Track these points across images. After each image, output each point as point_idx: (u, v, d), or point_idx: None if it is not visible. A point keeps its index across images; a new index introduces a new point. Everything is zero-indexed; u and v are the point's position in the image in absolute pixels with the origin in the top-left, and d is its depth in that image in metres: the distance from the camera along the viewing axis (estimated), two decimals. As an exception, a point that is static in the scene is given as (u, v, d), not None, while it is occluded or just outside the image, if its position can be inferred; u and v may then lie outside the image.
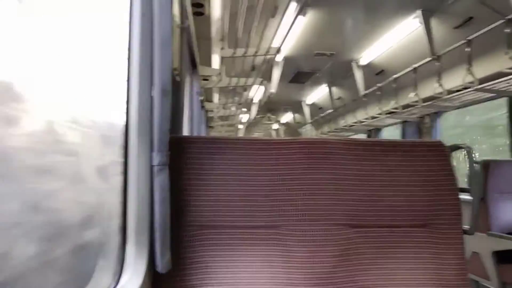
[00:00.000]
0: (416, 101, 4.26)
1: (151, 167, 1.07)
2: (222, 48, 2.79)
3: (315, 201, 1.20)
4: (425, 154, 1.26)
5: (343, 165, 1.23)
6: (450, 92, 3.84)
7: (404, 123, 5.53)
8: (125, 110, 1.06)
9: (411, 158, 1.26)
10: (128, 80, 1.06)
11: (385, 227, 1.24)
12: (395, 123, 5.82)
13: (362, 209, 1.22)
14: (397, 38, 4.43)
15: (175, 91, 1.35)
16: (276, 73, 5.07)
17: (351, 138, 1.28)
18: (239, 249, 1.18)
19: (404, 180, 1.25)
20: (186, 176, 1.18)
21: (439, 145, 1.28)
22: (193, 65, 2.95)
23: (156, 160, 1.06)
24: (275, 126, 11.95)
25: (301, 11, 2.23)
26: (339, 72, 5.98)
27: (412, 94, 4.22)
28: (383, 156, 1.25)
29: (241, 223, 1.18)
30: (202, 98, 4.47)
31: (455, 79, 3.75)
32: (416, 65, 4.14)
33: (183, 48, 1.58)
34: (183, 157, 1.18)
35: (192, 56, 2.76)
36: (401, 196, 1.24)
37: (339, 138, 1.27)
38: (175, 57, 1.29)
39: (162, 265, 1.06)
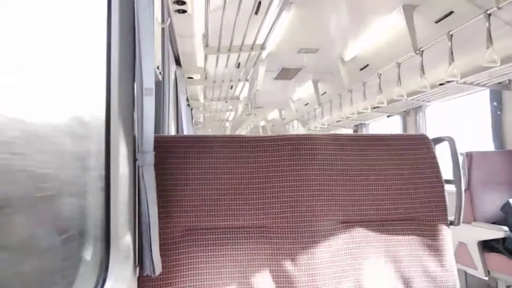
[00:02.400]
0: (401, 95, 4.30)
1: (136, 168, 1.05)
2: (206, 46, 2.77)
3: (303, 198, 1.20)
4: (410, 147, 1.27)
5: (330, 160, 1.23)
6: (433, 86, 3.89)
7: (389, 117, 5.59)
8: (105, 111, 1.03)
9: (397, 151, 1.27)
10: (108, 80, 1.03)
11: (372, 221, 1.24)
12: (381, 118, 5.88)
13: (350, 204, 1.22)
14: (380, 33, 4.46)
15: (157, 90, 1.32)
16: (261, 70, 5.06)
17: (337, 133, 1.28)
18: (227, 249, 1.17)
19: (391, 174, 1.25)
20: (172, 177, 1.16)
21: (423, 138, 1.30)
22: (177, 63, 2.92)
23: (141, 160, 1.04)
24: (262, 123, 11.95)
25: (284, 7, 2.23)
26: (324, 68, 6.00)
27: (396, 89, 4.26)
28: (370, 150, 1.25)
29: (228, 223, 1.17)
30: (187, 96, 4.44)
31: (438, 73, 3.80)
32: (400, 60, 4.18)
33: (166, 46, 1.56)
34: (168, 156, 1.16)
35: (176, 54, 2.73)
36: (388, 190, 1.25)
37: (325, 134, 1.26)
38: (157, 56, 1.27)
39: (153, 268, 1.05)
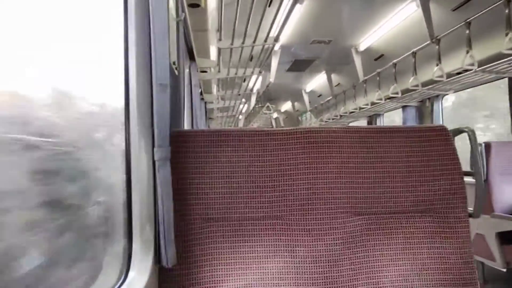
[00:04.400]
0: (416, 85, 4.23)
1: (153, 162, 1.07)
2: (219, 40, 2.76)
3: (319, 190, 1.20)
4: (428, 139, 1.26)
5: (345, 153, 1.23)
6: (450, 75, 3.82)
7: (405, 107, 5.51)
8: (124, 107, 1.05)
9: (415, 143, 1.26)
10: (126, 76, 1.05)
11: (390, 213, 1.24)
12: (395, 108, 5.81)
13: (366, 196, 1.22)
14: (395, 22, 4.39)
15: (174, 84, 1.34)
16: (274, 62, 5.03)
17: (353, 126, 1.27)
18: (244, 240, 1.18)
19: (408, 166, 1.24)
20: (189, 170, 1.17)
21: (442, 130, 1.28)
22: (191, 57, 2.92)
23: (157, 155, 1.06)
24: (275, 115, 11.93)
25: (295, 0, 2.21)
26: (337, 58, 5.94)
27: (411, 78, 4.19)
28: (386, 142, 1.25)
29: (245, 215, 1.18)
30: (201, 90, 4.45)
31: (454, 61, 3.72)
32: (415, 49, 4.11)
33: (180, 41, 1.56)
34: (185, 151, 1.18)
35: (190, 49, 2.74)
36: (405, 182, 1.24)
37: (340, 126, 1.26)
38: (173, 51, 1.28)
39: (167, 260, 1.07)
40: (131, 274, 1.02)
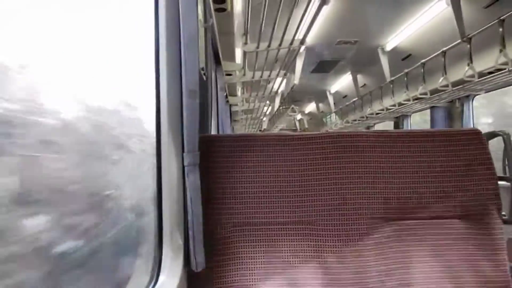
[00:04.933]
0: (446, 86, 4.11)
1: (183, 167, 1.08)
2: (245, 43, 2.78)
3: (348, 195, 1.18)
4: (461, 143, 1.22)
5: (374, 157, 1.21)
6: (481, 74, 3.69)
7: (433, 108, 5.36)
8: (155, 113, 1.07)
9: (446, 147, 1.22)
10: (157, 83, 1.07)
11: (421, 219, 1.21)
12: (423, 109, 5.67)
13: (396, 201, 1.20)
14: (423, 21, 4.29)
15: (202, 90, 1.35)
16: (299, 64, 5.01)
17: (383, 130, 1.25)
18: (272, 245, 1.18)
19: (440, 171, 1.21)
20: (217, 175, 1.18)
21: (475, 133, 1.24)
22: (217, 61, 2.95)
23: (186, 160, 1.07)
24: (299, 116, 11.87)
25: (323, 1, 2.19)
26: (363, 59, 5.85)
27: (441, 79, 4.08)
28: (416, 147, 1.22)
29: (274, 219, 1.18)
30: (226, 93, 4.49)
31: (486, 61, 3.60)
32: (445, 48, 4.00)
33: (208, 46, 1.58)
34: (213, 155, 1.19)
35: (216, 53, 2.76)
36: (437, 187, 1.21)
37: (368, 131, 1.24)
38: (201, 57, 1.29)
39: (196, 264, 1.08)
40: (162, 278, 1.04)
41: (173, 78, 1.07)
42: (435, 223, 1.21)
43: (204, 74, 1.37)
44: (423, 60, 4.46)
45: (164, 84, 1.06)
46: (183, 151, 1.08)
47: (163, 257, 1.06)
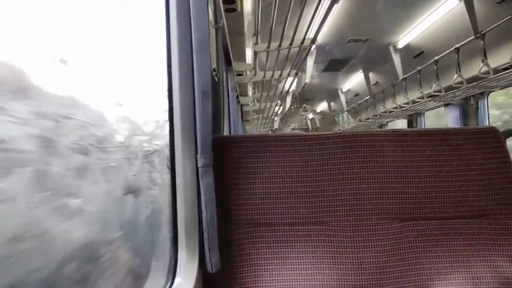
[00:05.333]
0: (461, 83, 4.05)
1: (197, 169, 1.09)
2: (255, 43, 2.77)
3: (363, 195, 1.17)
4: (478, 141, 1.20)
5: (390, 157, 1.19)
6: (496, 71, 3.62)
7: (447, 106, 5.29)
8: (168, 115, 1.08)
9: (463, 146, 1.20)
10: (169, 85, 1.08)
11: (438, 219, 1.19)
12: (437, 107, 5.59)
13: (412, 201, 1.18)
14: (435, 18, 4.23)
15: (214, 91, 1.36)
16: (310, 63, 4.99)
17: (397, 129, 1.24)
18: (287, 246, 1.18)
19: (457, 170, 1.19)
20: (230, 176, 1.18)
21: (492, 131, 1.22)
22: (227, 61, 2.96)
23: (200, 162, 1.07)
24: (310, 115, 11.81)
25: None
26: (375, 57, 5.80)
27: (455, 76, 4.01)
28: (432, 145, 1.20)
29: (288, 220, 1.18)
30: (237, 93, 4.49)
31: (501, 57, 3.53)
32: (458, 45, 3.93)
33: (219, 47, 1.58)
34: (226, 156, 1.19)
35: (226, 53, 2.76)
36: (454, 187, 1.19)
37: (383, 130, 1.23)
38: (213, 58, 1.30)
39: (211, 265, 1.08)
40: (177, 279, 1.05)
41: (186, 79, 1.08)
42: (453, 223, 1.19)
43: (216, 75, 1.37)
44: (436, 57, 4.40)
45: (176, 86, 1.07)
46: (196, 153, 1.08)
47: (179, 258, 1.07)
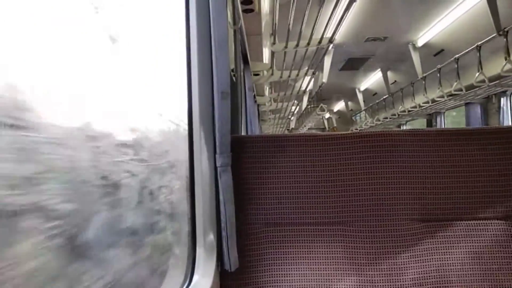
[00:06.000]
0: (482, 81, 3.96)
1: (215, 168, 1.10)
2: (273, 43, 2.78)
3: (382, 196, 1.16)
4: (501, 141, 1.18)
5: (409, 157, 1.18)
6: (520, 69, 3.53)
7: (468, 105, 5.18)
8: (187, 115, 1.10)
9: (485, 146, 1.18)
10: (189, 85, 1.09)
11: (459, 220, 1.17)
12: (458, 106, 5.48)
13: (433, 202, 1.17)
14: (456, 15, 4.16)
15: (233, 91, 1.37)
16: (327, 62, 4.96)
17: (417, 129, 1.22)
18: (305, 246, 1.18)
19: (478, 170, 1.17)
20: (249, 176, 1.19)
21: None
22: (245, 61, 2.97)
23: (219, 161, 1.09)
24: (327, 115, 11.74)
25: (354, -2, 2.16)
26: (394, 55, 5.73)
27: (477, 74, 3.93)
28: (452, 145, 1.18)
29: (306, 220, 1.18)
30: (254, 93, 4.50)
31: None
32: (480, 43, 3.85)
33: (237, 47, 1.59)
34: (245, 156, 1.20)
35: (244, 53, 2.78)
36: (476, 187, 1.17)
37: (402, 130, 1.22)
38: (231, 58, 1.31)
39: (230, 263, 1.09)
40: (196, 277, 1.06)
41: (205, 80, 1.09)
42: (475, 224, 1.17)
43: (234, 75, 1.38)
44: (456, 55, 4.31)
45: (195, 86, 1.08)
46: (215, 152, 1.09)
47: (197, 257, 1.08)
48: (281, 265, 1.17)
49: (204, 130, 1.09)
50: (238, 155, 1.18)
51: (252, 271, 1.16)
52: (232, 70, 1.31)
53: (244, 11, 2.29)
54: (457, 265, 1.15)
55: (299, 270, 1.16)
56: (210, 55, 1.08)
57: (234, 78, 1.38)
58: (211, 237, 1.10)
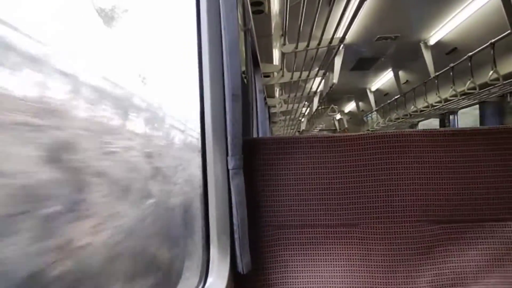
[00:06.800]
0: (496, 79, 3.89)
1: (227, 171, 1.09)
2: (283, 44, 2.77)
3: (396, 197, 1.15)
4: None
5: (422, 157, 1.16)
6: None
7: (482, 104, 5.10)
8: (199, 117, 1.09)
9: (500, 145, 1.15)
10: (200, 88, 1.09)
11: (474, 222, 1.15)
12: (471, 105, 5.40)
13: (447, 203, 1.14)
14: (469, 13, 4.10)
15: (244, 93, 1.36)
16: (338, 62, 4.93)
17: (431, 129, 1.20)
18: (318, 248, 1.17)
19: (494, 170, 1.14)
20: (261, 178, 1.18)
21: None
22: (255, 63, 2.96)
23: (231, 164, 1.08)
24: (338, 116, 11.68)
25: (364, -2, 2.14)
26: (405, 54, 5.67)
27: (491, 72, 3.86)
28: (466, 145, 1.16)
29: (319, 222, 1.17)
30: (264, 95, 4.50)
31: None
32: (493, 40, 3.78)
33: (247, 49, 1.59)
34: (257, 158, 1.19)
35: (254, 55, 2.77)
36: (491, 188, 1.14)
37: (415, 130, 1.20)
38: (242, 60, 1.30)
39: (243, 266, 1.09)
40: (210, 280, 1.06)
41: (216, 83, 1.09)
42: (492, 225, 1.14)
43: (245, 77, 1.38)
44: (470, 53, 4.25)
45: (207, 88, 1.08)
46: (227, 155, 1.09)
47: (210, 259, 1.08)
48: (294, 267, 1.16)
49: (216, 133, 1.09)
50: (249, 157, 1.17)
51: (265, 273, 1.16)
52: (243, 72, 1.31)
53: (254, 12, 2.29)
54: (474, 268, 1.12)
55: (312, 272, 1.15)
56: (221, 58, 1.07)
57: (245, 80, 1.37)
58: (224, 239, 1.10)
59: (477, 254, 1.13)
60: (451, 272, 1.12)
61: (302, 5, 2.14)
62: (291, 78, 4.03)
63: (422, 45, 5.12)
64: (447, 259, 1.13)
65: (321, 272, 1.15)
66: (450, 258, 1.13)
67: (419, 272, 1.11)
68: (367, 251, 1.14)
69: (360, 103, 10.13)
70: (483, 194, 1.14)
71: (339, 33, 2.65)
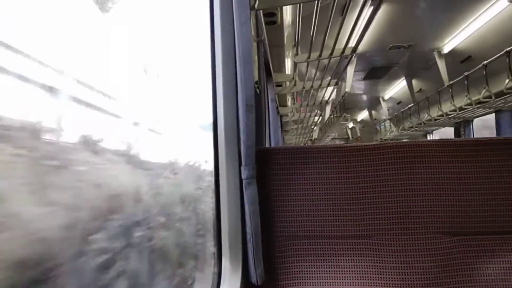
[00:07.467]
0: (512, 88, 3.83)
1: (240, 181, 1.10)
2: (296, 54, 2.78)
3: (410, 208, 1.13)
4: None
5: (439, 168, 1.14)
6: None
7: (498, 113, 5.01)
8: (212, 128, 1.10)
9: None
10: (213, 98, 1.10)
11: (492, 234, 1.12)
12: (487, 114, 5.31)
13: (463, 215, 1.12)
14: (483, 21, 4.06)
15: (257, 103, 1.37)
16: (350, 71, 4.92)
17: (445, 139, 1.18)
18: (331, 259, 1.15)
19: (511, 181, 1.12)
20: (274, 188, 1.18)
21: None
22: (268, 73, 2.98)
23: (244, 174, 1.08)
24: (350, 125, 11.60)
25: (377, 7, 2.13)
26: (418, 63, 5.63)
27: (507, 80, 3.80)
28: (483, 156, 1.14)
29: (332, 233, 1.16)
30: (276, 104, 4.50)
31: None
32: (509, 48, 3.73)
33: (260, 59, 1.60)
34: (269, 168, 1.19)
35: (267, 65, 2.79)
36: (509, 199, 1.12)
37: (430, 140, 1.18)
38: (255, 70, 1.32)
39: (255, 276, 1.08)
40: None
41: (230, 93, 1.10)
42: (508, 238, 1.12)
43: (258, 87, 1.38)
44: (485, 62, 4.19)
45: (221, 99, 1.09)
46: (240, 164, 1.09)
47: (223, 269, 1.08)
48: (307, 279, 1.15)
49: (229, 143, 1.09)
50: (262, 167, 1.17)
51: (278, 284, 1.15)
52: (256, 82, 1.31)
53: (267, 23, 2.31)
54: (491, 282, 1.10)
55: (325, 285, 1.14)
56: (235, 68, 1.08)
57: (258, 90, 1.38)
58: (237, 249, 1.10)
59: (496, 268, 1.11)
60: (467, 286, 1.10)
61: (314, 15, 2.15)
62: (303, 87, 4.03)
63: (436, 53, 5.08)
64: (464, 272, 1.11)
65: (335, 285, 1.14)
66: (467, 272, 1.11)
67: (435, 286, 1.09)
68: (381, 263, 1.13)
69: (373, 112, 10.07)
70: (501, 206, 1.12)
71: (352, 43, 2.65)
